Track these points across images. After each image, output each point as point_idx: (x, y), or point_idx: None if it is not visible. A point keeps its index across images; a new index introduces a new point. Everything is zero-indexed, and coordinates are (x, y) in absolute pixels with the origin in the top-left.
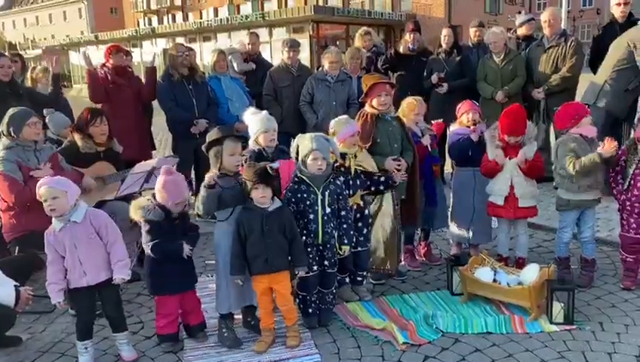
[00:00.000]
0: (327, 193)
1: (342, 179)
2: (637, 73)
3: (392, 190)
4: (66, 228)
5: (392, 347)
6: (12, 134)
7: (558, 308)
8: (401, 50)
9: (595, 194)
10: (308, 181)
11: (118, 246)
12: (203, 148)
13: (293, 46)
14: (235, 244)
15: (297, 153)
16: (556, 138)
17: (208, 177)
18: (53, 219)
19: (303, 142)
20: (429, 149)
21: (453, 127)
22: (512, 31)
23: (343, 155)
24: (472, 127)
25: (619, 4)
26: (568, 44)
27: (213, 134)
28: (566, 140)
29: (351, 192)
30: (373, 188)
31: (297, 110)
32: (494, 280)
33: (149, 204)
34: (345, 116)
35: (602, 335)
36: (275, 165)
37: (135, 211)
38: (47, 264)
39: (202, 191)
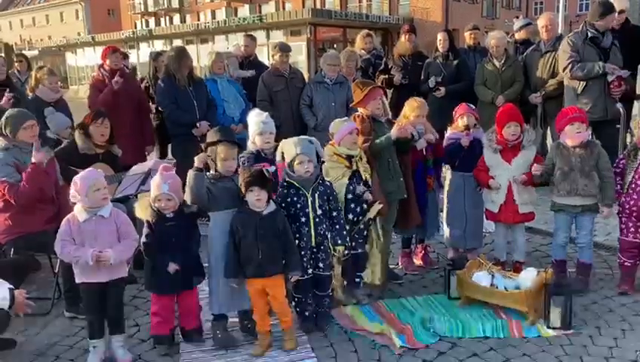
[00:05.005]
0: (316, 195)
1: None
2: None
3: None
4: (92, 220)
5: (390, 351)
6: (8, 135)
7: (555, 313)
8: (395, 54)
9: (581, 201)
10: (297, 184)
11: (130, 242)
12: (202, 148)
13: (284, 50)
14: (229, 248)
15: (283, 158)
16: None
17: (198, 159)
18: (77, 209)
19: (287, 148)
20: (424, 153)
21: (449, 131)
22: (509, 35)
23: (350, 158)
24: (464, 132)
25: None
26: None
27: (211, 135)
28: (553, 146)
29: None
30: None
31: (294, 113)
32: (492, 285)
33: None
34: (344, 118)
35: (600, 340)
36: (272, 168)
37: (140, 210)
38: (62, 249)
39: (189, 174)
